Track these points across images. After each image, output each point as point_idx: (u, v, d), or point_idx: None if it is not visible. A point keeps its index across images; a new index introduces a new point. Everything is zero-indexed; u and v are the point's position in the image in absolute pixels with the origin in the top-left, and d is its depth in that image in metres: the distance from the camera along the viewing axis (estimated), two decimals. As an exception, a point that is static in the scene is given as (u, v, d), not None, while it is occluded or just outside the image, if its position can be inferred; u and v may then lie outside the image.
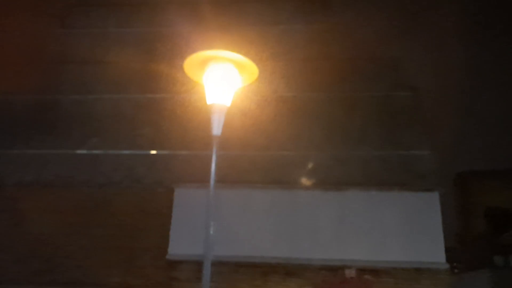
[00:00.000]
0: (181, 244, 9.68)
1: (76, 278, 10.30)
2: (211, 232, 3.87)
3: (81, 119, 11.92)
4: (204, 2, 12.51)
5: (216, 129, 4.06)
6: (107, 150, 11.51)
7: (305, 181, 10.91)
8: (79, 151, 11.56)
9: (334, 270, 9.24)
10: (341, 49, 12.66)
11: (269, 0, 13.60)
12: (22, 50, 11.83)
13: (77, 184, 11.13)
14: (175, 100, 11.66)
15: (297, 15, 13.49)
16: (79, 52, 12.83)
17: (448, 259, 9.60)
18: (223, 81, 4.09)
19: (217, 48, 3.97)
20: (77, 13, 13.79)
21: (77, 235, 10.53)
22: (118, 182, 11.08)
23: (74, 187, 11.07)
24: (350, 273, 9.05)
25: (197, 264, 9.30)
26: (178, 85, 11.07)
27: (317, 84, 12.03)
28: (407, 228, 9.55)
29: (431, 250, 9.43)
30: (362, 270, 9.21)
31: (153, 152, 11.46)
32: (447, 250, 9.69)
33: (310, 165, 11.01)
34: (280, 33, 12.96)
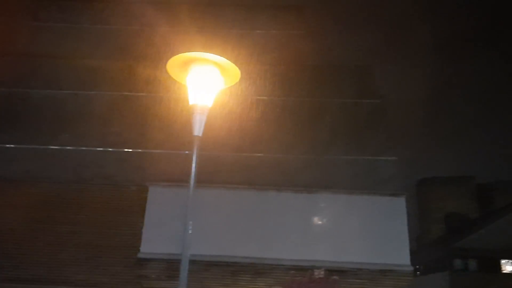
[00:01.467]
0: (153, 243, 9.66)
1: (41, 275, 10.11)
2: (190, 231, 3.91)
3: (52, 114, 11.69)
4: (181, 2, 12.55)
5: (197, 129, 4.10)
6: (78, 146, 11.35)
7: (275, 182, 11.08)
8: (48, 147, 11.35)
9: (303, 270, 9.44)
10: (313, 56, 12.96)
11: (246, 5, 13.76)
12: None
13: (45, 179, 10.87)
14: (149, 98, 11.64)
15: (273, 21, 13.71)
16: (52, 47, 12.58)
17: (411, 262, 9.97)
18: (206, 82, 4.15)
19: (193, 50, 4.05)
20: (50, 7, 13.52)
21: (44, 231, 10.34)
22: (88, 179, 10.93)
23: (42, 182, 10.82)
24: (319, 273, 9.28)
25: (167, 263, 9.42)
26: (153, 84, 11.07)
27: (289, 89, 12.27)
28: (373, 231, 9.87)
29: (397, 253, 9.77)
30: (329, 271, 9.45)
31: (126, 150, 11.39)
32: (410, 253, 10.07)
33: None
34: (255, 37, 13.14)
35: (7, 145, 11.39)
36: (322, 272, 9.30)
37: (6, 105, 11.87)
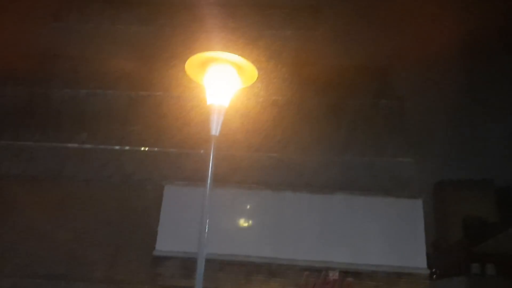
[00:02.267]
0: (168, 241, 9.76)
1: (59, 272, 10.28)
2: (206, 231, 3.89)
3: (72, 114, 11.91)
4: (198, 3, 12.61)
5: (215, 129, 4.09)
6: (97, 145, 11.52)
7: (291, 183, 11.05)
8: (68, 145, 11.55)
9: (317, 271, 9.41)
10: (330, 56, 12.88)
11: (262, 6, 13.75)
12: (14, 42, 11.75)
13: (65, 178, 11.11)
14: (167, 98, 11.75)
15: (288, 21, 13.67)
16: (72, 47, 12.80)
17: (427, 265, 9.85)
18: (223, 82, 4.15)
19: (211, 50, 4.04)
20: (71, 8, 13.74)
21: (63, 228, 10.50)
22: (106, 178, 11.10)
23: (62, 180, 11.05)
24: (333, 274, 9.23)
25: (182, 261, 9.49)
26: (170, 83, 11.16)
27: (305, 89, 12.22)
28: (390, 233, 9.78)
29: (413, 256, 9.68)
30: (344, 273, 9.39)
31: (143, 149, 11.51)
32: (426, 257, 9.94)
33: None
34: (271, 38, 13.12)
35: (28, 143, 11.61)
36: (337, 274, 9.24)
37: (26, 105, 12.13)
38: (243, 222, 10.16)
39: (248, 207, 10.50)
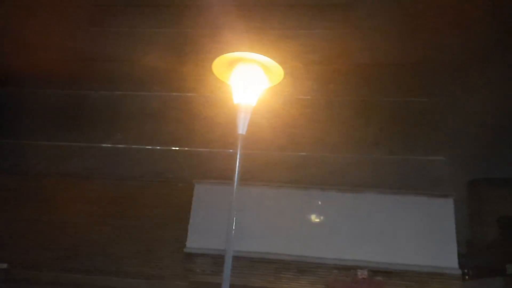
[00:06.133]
0: (198, 238, 9.98)
1: (97, 266, 10.69)
2: (233, 228, 3.97)
3: (107, 114, 12.32)
4: (228, 4, 12.76)
5: (242, 128, 4.15)
6: (130, 145, 11.88)
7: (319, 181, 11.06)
8: (104, 145, 11.96)
9: (346, 269, 9.41)
10: (360, 54, 12.77)
11: (291, 5, 13.77)
12: (51, 47, 12.23)
13: (101, 176, 11.52)
14: (197, 98, 11.98)
15: (318, 19, 13.63)
16: (107, 50, 13.20)
17: (459, 265, 9.67)
18: (250, 81, 4.22)
19: (239, 50, 4.10)
20: (105, 12, 14.15)
21: (99, 225, 10.93)
22: (140, 176, 11.44)
23: (98, 179, 11.47)
24: (362, 273, 9.21)
25: (213, 258, 9.69)
26: (202, 84, 11.37)
27: (333, 87, 12.19)
28: (420, 232, 9.66)
29: (444, 255, 9.52)
30: (374, 271, 9.36)
31: (174, 148, 11.79)
32: (458, 256, 9.76)
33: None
34: (300, 37, 13.14)
35: (65, 144, 12.09)
36: (366, 273, 9.23)
37: (63, 106, 12.63)
38: (272, 220, 10.24)
39: (278, 205, 10.57)
